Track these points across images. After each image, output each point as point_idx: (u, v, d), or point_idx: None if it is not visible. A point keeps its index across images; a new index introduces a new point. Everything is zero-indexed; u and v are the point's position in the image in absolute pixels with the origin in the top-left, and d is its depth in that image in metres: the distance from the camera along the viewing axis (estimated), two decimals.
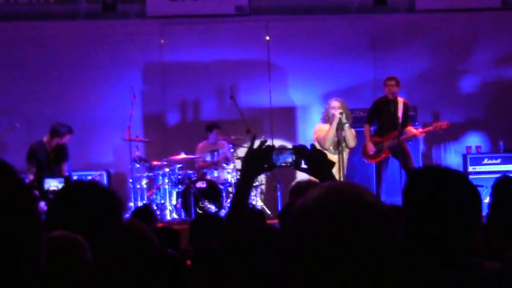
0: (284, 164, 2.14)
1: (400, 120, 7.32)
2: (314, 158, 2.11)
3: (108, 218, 1.97)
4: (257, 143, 2.21)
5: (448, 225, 1.57)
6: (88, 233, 1.83)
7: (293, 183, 3.42)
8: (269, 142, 2.19)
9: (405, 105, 7.47)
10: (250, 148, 2.16)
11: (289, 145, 4.81)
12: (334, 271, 1.01)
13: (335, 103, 6.45)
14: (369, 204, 1.05)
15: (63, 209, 1.95)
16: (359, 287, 1.02)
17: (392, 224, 1.06)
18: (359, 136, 7.77)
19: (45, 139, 7.62)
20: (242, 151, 8.34)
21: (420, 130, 7.66)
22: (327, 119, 6.60)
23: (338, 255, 1.01)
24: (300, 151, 2.13)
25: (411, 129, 7.52)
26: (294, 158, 2.12)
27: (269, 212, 7.66)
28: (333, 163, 2.20)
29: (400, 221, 2.15)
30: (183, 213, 7.71)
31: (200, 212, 7.47)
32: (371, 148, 7.41)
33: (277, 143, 8.73)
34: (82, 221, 1.91)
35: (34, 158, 7.59)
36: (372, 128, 7.66)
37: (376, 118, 7.56)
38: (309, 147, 2.17)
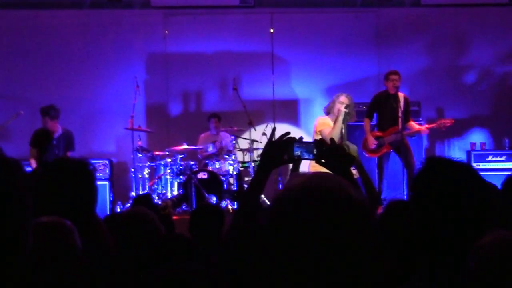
0: (301, 157, 2.07)
1: (401, 115, 7.28)
2: (333, 152, 2.08)
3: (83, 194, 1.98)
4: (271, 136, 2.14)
5: (455, 221, 1.53)
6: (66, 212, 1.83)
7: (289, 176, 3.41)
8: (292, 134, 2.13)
9: (405, 100, 7.43)
10: (270, 140, 2.10)
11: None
12: (307, 265, 1.02)
13: (344, 98, 6.38)
14: (344, 198, 1.05)
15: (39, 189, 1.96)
16: (332, 281, 1.01)
17: (367, 219, 1.05)
18: (360, 130, 7.78)
19: (48, 125, 7.63)
20: (243, 143, 8.35)
21: (425, 126, 7.57)
22: (330, 111, 6.55)
23: (310, 249, 1.02)
24: (320, 145, 2.09)
25: (414, 125, 7.46)
26: (315, 152, 2.07)
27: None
28: (352, 158, 2.15)
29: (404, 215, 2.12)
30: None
31: (201, 202, 7.48)
32: (372, 142, 7.38)
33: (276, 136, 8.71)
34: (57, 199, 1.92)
35: (37, 144, 7.61)
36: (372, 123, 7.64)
37: (377, 112, 7.53)
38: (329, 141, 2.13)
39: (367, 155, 7.64)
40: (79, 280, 1.65)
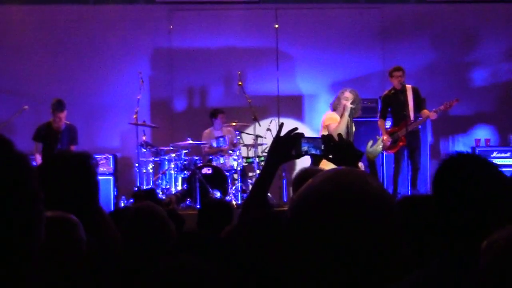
0: (309, 152, 2.07)
1: (412, 107, 7.33)
2: (341, 148, 2.08)
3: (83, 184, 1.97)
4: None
5: (477, 217, 1.51)
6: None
7: (297, 171, 3.40)
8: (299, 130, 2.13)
9: (414, 90, 7.51)
10: (278, 135, 2.10)
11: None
12: (332, 259, 1.02)
13: (348, 94, 6.39)
14: (371, 194, 1.05)
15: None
16: (357, 274, 1.02)
17: (393, 214, 1.05)
18: (365, 126, 7.78)
19: (51, 119, 7.65)
20: (248, 138, 8.34)
21: (433, 110, 7.52)
22: (336, 108, 6.55)
23: (336, 244, 1.02)
24: (328, 141, 2.09)
25: (427, 111, 7.50)
26: (322, 148, 2.07)
27: (274, 201, 7.68)
28: (360, 154, 2.15)
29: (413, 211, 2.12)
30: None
31: (207, 199, 7.47)
32: (387, 140, 7.44)
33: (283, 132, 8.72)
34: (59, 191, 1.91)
35: (40, 139, 7.64)
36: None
37: (389, 110, 7.58)
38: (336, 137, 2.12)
39: (385, 152, 7.69)
40: (84, 275, 1.66)
